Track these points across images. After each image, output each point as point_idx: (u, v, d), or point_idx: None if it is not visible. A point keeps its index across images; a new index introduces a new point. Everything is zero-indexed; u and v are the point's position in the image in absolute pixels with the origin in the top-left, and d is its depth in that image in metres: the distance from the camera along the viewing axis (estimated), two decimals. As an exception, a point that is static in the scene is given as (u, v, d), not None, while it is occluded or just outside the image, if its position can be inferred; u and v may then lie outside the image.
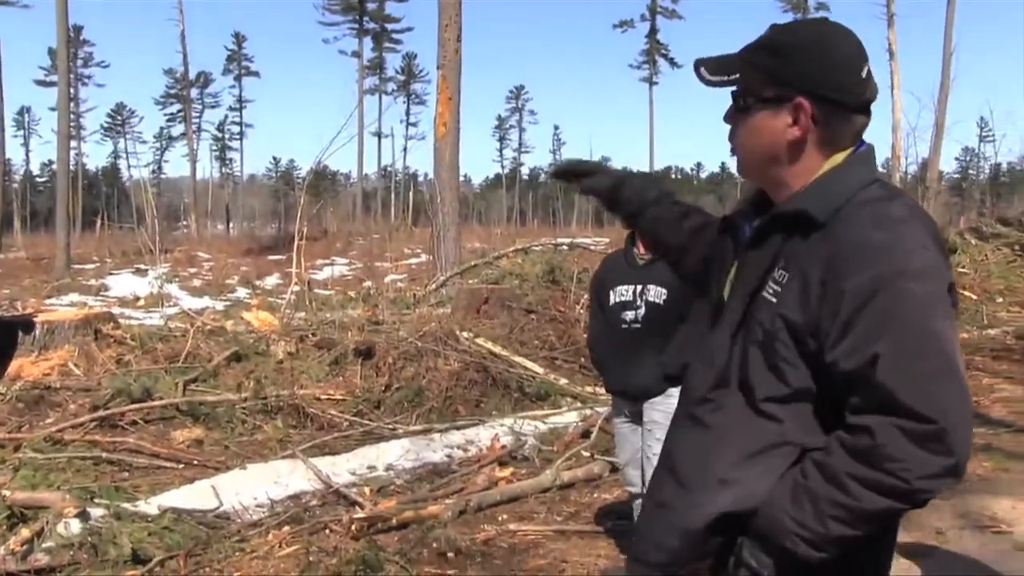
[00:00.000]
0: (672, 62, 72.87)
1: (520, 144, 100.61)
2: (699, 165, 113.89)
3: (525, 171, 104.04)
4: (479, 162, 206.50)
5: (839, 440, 1.69)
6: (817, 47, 1.80)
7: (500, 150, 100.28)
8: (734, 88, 1.88)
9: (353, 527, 5.40)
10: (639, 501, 4.77)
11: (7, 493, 5.45)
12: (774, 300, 1.76)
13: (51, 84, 68.23)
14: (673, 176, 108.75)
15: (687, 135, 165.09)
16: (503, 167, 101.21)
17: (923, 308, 1.65)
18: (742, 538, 1.81)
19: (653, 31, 72.35)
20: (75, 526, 5.05)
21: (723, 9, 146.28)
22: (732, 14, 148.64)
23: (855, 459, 1.65)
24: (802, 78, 1.78)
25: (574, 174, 2.41)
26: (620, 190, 2.36)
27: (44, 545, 4.87)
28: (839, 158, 1.82)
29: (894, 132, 37.18)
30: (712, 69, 1.87)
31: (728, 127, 1.94)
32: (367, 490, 6.18)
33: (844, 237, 1.70)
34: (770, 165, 1.86)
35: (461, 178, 16.82)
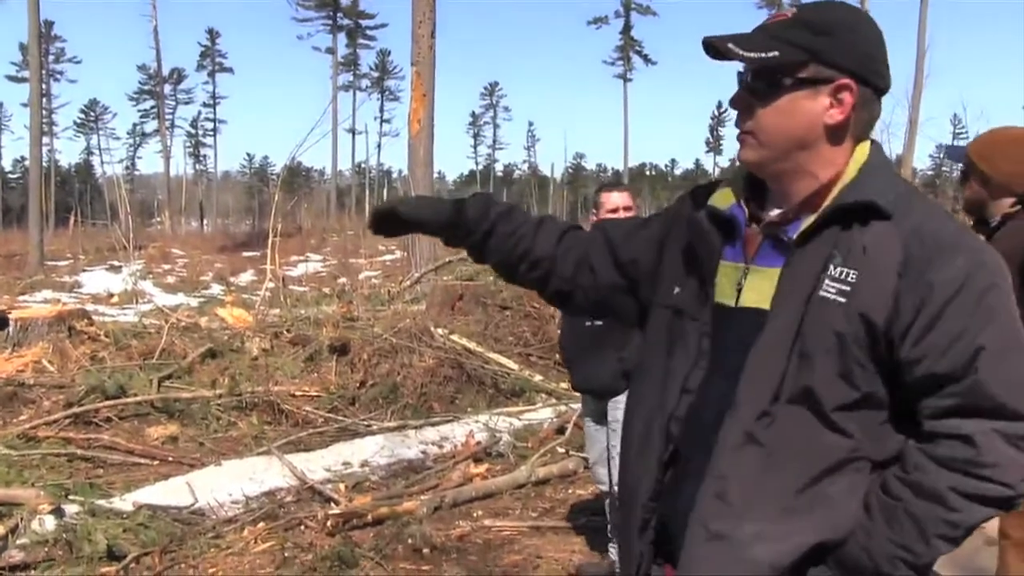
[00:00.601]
0: (646, 59, 73.15)
1: (494, 141, 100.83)
2: (673, 162, 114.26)
3: (499, 168, 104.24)
4: (453, 159, 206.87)
5: (925, 453, 1.60)
6: (860, 27, 1.70)
7: (474, 147, 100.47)
8: (755, 68, 1.72)
9: (328, 523, 5.43)
10: (609, 500, 4.84)
11: (-19, 490, 5.45)
12: (843, 300, 1.60)
13: (23, 80, 67.68)
14: (647, 173, 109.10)
15: (661, 132, 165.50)
16: (477, 164, 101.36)
17: (1010, 300, 1.61)
18: (815, 569, 1.68)
19: (627, 27, 72.54)
20: (50, 523, 5.06)
21: (697, 7, 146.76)
22: (705, 11, 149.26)
23: (953, 471, 1.57)
24: (849, 58, 1.66)
25: (394, 214, 2.11)
26: (461, 213, 2.10)
27: (18, 542, 4.88)
28: (866, 147, 1.73)
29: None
30: (743, 44, 1.69)
31: (736, 112, 1.78)
32: (342, 486, 6.21)
33: (918, 228, 1.60)
34: (796, 152, 1.71)
35: (435, 175, 16.84)
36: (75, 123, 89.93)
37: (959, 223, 1.67)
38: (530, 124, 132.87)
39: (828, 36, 1.66)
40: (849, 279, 1.60)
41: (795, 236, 1.69)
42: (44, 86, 49.33)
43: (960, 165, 3.54)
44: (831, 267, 1.62)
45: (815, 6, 1.73)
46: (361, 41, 76.80)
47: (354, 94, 78.69)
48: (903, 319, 1.57)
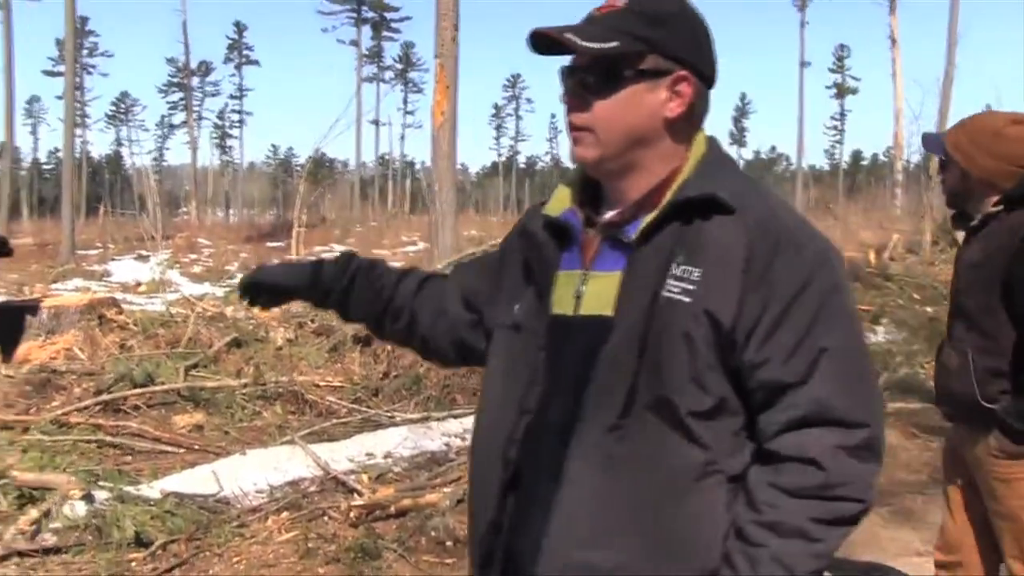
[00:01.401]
0: (673, 52, 72.60)
1: (517, 133, 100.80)
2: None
3: (522, 159, 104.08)
4: (476, 150, 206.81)
5: (775, 486, 1.49)
6: (692, 18, 1.64)
7: (497, 138, 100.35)
8: (587, 62, 1.62)
9: (351, 514, 5.49)
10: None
11: (16, 474, 5.58)
12: (688, 299, 1.50)
13: (58, 74, 68.15)
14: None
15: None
16: (500, 155, 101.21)
17: (852, 299, 1.58)
18: None
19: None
20: (80, 508, 5.17)
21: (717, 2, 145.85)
22: (730, 3, 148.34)
23: (808, 499, 1.48)
24: (686, 49, 1.61)
25: (256, 284, 2.08)
26: (318, 275, 2.04)
27: (51, 526, 5.00)
28: (702, 141, 1.67)
29: (896, 120, 37.18)
30: (582, 35, 1.59)
31: (566, 107, 1.67)
32: (365, 477, 6.26)
33: (762, 223, 1.52)
34: (634, 147, 1.62)
35: (458, 166, 16.90)
36: (106, 115, 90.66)
37: (802, 217, 1.62)
38: (552, 116, 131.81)
39: (664, 27, 1.60)
40: (693, 277, 1.52)
41: (634, 236, 1.59)
42: (78, 80, 49.79)
43: (938, 157, 3.26)
44: (674, 265, 1.53)
45: None
46: (385, 34, 76.94)
47: (378, 86, 78.92)
48: (748, 318, 1.50)
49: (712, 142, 1.68)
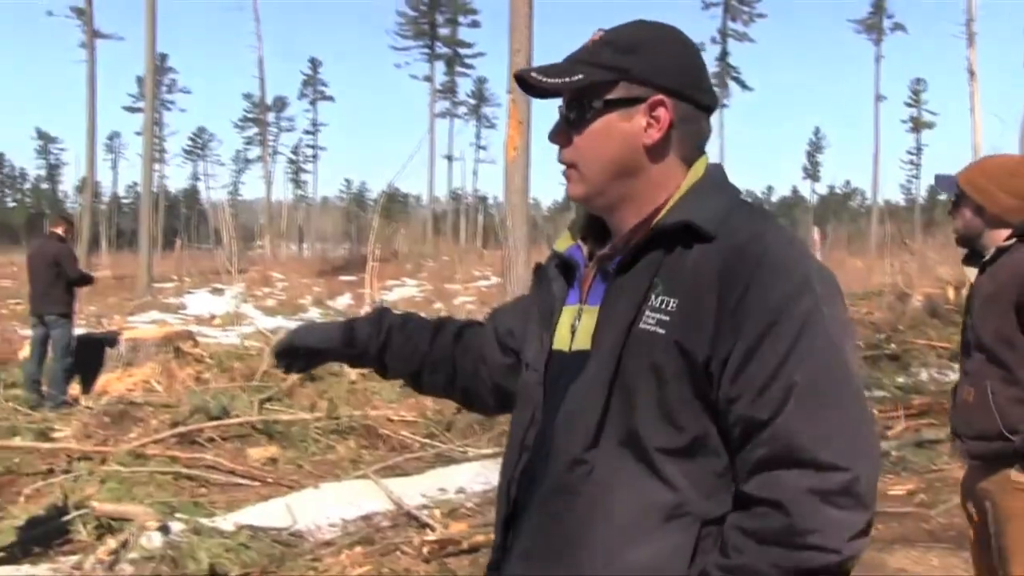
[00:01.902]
0: (743, 85, 72.32)
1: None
2: (770, 188, 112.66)
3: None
4: (548, 185, 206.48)
5: (742, 529, 1.39)
6: (670, 42, 1.59)
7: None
8: (568, 98, 1.61)
9: (424, 550, 5.45)
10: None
11: (95, 504, 5.66)
12: (662, 331, 1.44)
13: (138, 110, 70.29)
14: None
15: (758, 159, 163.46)
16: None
17: (836, 331, 1.42)
18: None
19: (724, 54, 71.86)
20: (157, 539, 5.21)
21: (795, 33, 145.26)
22: (804, 38, 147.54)
23: (772, 545, 1.36)
24: (660, 73, 1.55)
25: (292, 347, 2.00)
26: (352, 332, 1.97)
27: (129, 556, 5.03)
28: (700, 167, 1.59)
29: (975, 155, 36.39)
30: (548, 72, 1.58)
31: (557, 147, 1.66)
32: (438, 512, 6.24)
33: (740, 250, 1.44)
34: (620, 179, 1.58)
35: (531, 201, 16.91)
36: (183, 150, 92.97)
37: (791, 239, 1.49)
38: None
39: (634, 54, 1.55)
40: (669, 308, 1.45)
41: (613, 267, 1.56)
42: (156, 115, 51.16)
43: (949, 195, 3.35)
44: (652, 296, 1.47)
45: (621, 27, 1.63)
46: (459, 69, 77.73)
47: (451, 121, 79.70)
48: (722, 351, 1.40)
49: (713, 168, 1.62)
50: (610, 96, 1.55)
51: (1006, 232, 3.12)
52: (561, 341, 1.63)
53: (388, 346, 1.98)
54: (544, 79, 1.56)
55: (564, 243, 1.71)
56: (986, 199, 3.15)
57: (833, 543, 1.34)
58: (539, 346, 1.69)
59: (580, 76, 1.55)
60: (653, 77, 1.54)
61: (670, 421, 1.43)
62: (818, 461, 1.35)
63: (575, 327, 1.60)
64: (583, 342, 1.57)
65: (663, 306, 1.45)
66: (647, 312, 1.46)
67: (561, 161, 1.64)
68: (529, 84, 1.60)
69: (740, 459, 1.42)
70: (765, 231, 1.47)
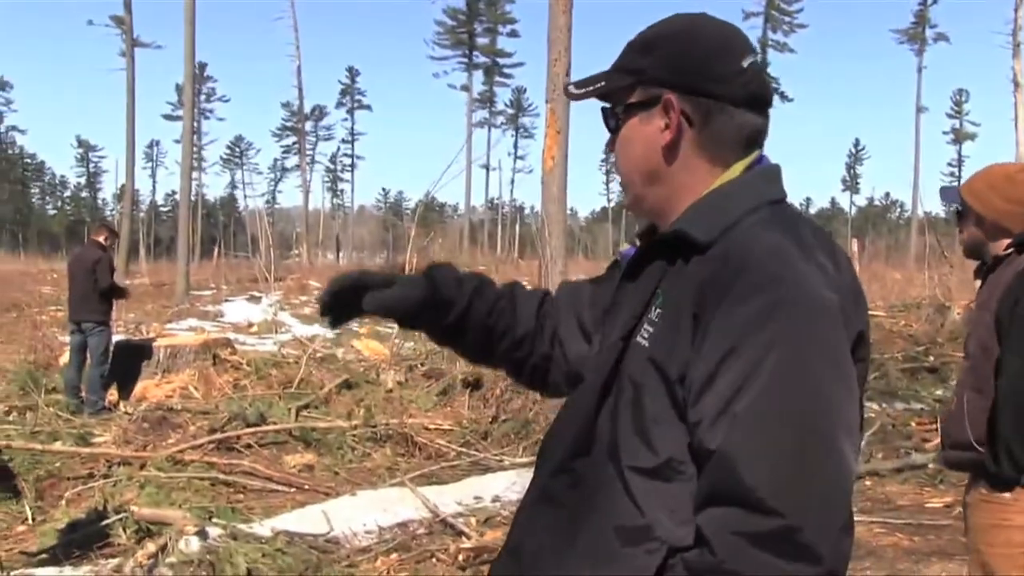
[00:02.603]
0: (783, 96, 71.94)
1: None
2: (808, 200, 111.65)
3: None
4: (586, 195, 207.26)
5: (684, 562, 1.28)
6: (683, 35, 1.49)
7: (607, 183, 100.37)
8: (603, 107, 1.57)
9: (460, 557, 5.46)
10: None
11: (135, 509, 5.71)
12: (646, 344, 1.38)
13: (177, 118, 71.15)
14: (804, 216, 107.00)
15: (797, 169, 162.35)
16: (609, 200, 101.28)
17: (809, 360, 1.26)
18: None
19: (764, 65, 71.46)
20: (195, 544, 5.24)
21: (836, 43, 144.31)
22: (845, 49, 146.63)
23: None
24: (666, 69, 1.46)
25: (359, 287, 1.76)
26: (436, 291, 1.77)
27: (167, 560, 5.07)
28: (737, 169, 1.46)
29: (1018, 168, 35.92)
30: (578, 83, 1.56)
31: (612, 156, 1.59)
32: (474, 521, 6.24)
33: (723, 264, 1.33)
34: (651, 185, 1.50)
35: (568, 211, 16.93)
36: (222, 158, 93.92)
37: (788, 260, 1.32)
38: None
39: (651, 53, 1.48)
40: (657, 321, 1.38)
41: (622, 273, 1.53)
42: (195, 124, 51.75)
43: (954, 207, 3.33)
44: (652, 308, 1.41)
45: (651, 25, 1.55)
46: (497, 79, 78.09)
47: (489, 130, 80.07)
48: (692, 373, 1.30)
49: (752, 170, 1.48)
50: (630, 100, 1.50)
51: (1007, 241, 3.08)
52: None
53: (470, 311, 1.80)
54: (574, 90, 1.55)
55: (629, 243, 1.65)
56: (984, 207, 3.12)
57: None
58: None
59: (602, 83, 1.53)
60: (664, 75, 1.46)
61: (644, 440, 1.34)
62: (751, 501, 1.21)
63: None
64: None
65: (656, 319, 1.39)
66: (645, 324, 1.41)
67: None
68: (567, 92, 1.60)
69: (696, 488, 1.31)
70: (761, 245, 1.34)
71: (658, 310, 1.39)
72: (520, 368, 1.88)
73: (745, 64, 1.46)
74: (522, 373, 1.90)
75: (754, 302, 1.26)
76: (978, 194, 3.15)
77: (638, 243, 1.59)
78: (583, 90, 1.54)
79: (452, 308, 1.78)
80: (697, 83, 1.44)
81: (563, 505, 1.43)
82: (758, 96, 1.48)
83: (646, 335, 1.39)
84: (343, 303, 1.77)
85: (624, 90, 1.51)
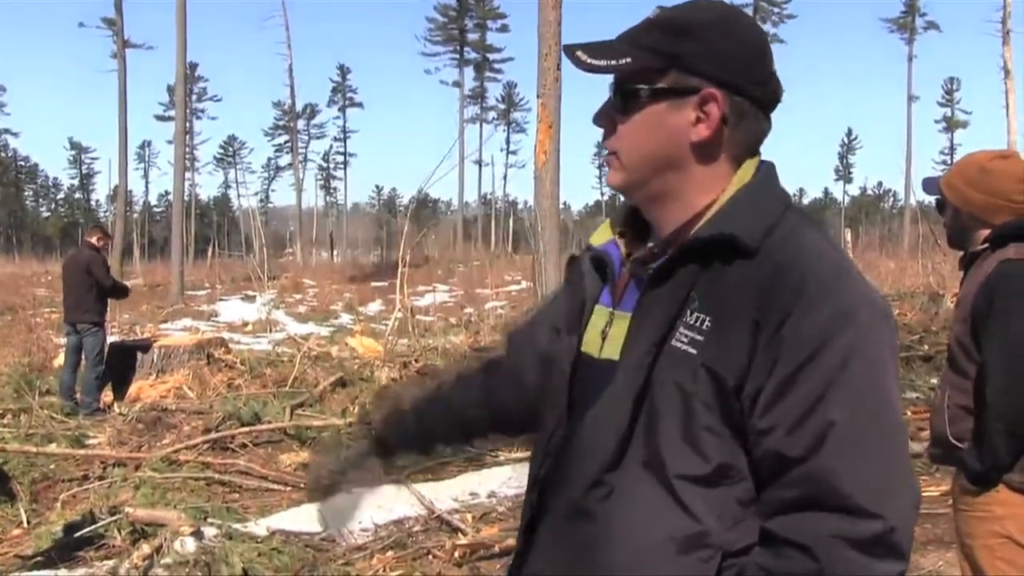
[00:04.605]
0: (775, 87, 71.92)
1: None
2: (801, 191, 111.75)
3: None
4: (579, 189, 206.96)
5: (764, 569, 1.29)
6: (730, 27, 1.43)
7: (599, 177, 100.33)
8: (615, 81, 1.47)
9: (456, 554, 5.45)
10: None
11: (129, 510, 5.71)
12: (694, 351, 1.33)
13: (169, 119, 71.01)
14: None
15: (789, 160, 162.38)
16: (602, 194, 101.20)
17: (881, 365, 1.30)
18: None
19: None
20: (190, 544, 5.24)
21: (826, 33, 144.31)
22: (835, 38, 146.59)
23: None
24: (714, 63, 1.39)
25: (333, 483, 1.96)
26: (381, 442, 1.96)
27: (163, 561, 5.06)
28: (750, 169, 1.45)
29: (1008, 155, 35.94)
30: (594, 52, 1.45)
31: (602, 129, 1.52)
32: (470, 517, 6.24)
33: (783, 271, 1.31)
34: (662, 174, 1.45)
35: (561, 205, 16.89)
36: (215, 158, 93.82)
37: (839, 262, 1.35)
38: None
39: (690, 38, 1.40)
40: (704, 327, 1.34)
41: (650, 275, 1.44)
42: (188, 124, 51.67)
43: (934, 198, 3.29)
44: (688, 312, 1.36)
45: (679, 6, 1.46)
46: (488, 74, 77.97)
47: (480, 126, 79.93)
48: (756, 380, 1.29)
49: (765, 169, 1.47)
50: (660, 84, 1.42)
51: (986, 232, 3.03)
52: (590, 344, 1.53)
53: (429, 434, 1.93)
54: (590, 59, 1.44)
55: (601, 237, 1.60)
56: (960, 199, 3.08)
57: None
58: (566, 342, 1.57)
59: (628, 60, 1.42)
60: (707, 67, 1.39)
61: (695, 448, 1.33)
62: (851, 507, 1.25)
63: (606, 332, 1.50)
64: (612, 351, 1.47)
65: (698, 324, 1.34)
66: (681, 329, 1.36)
67: (604, 147, 1.51)
68: (578, 61, 1.46)
69: (768, 495, 1.32)
70: (811, 250, 1.35)
71: (698, 315, 1.35)
72: (507, 431, 1.99)
73: (774, 68, 1.46)
74: (509, 432, 2.00)
75: (825, 310, 1.27)
76: (954, 187, 3.12)
77: (618, 240, 1.57)
78: (602, 62, 1.43)
79: (408, 440, 1.94)
80: (742, 83, 1.41)
81: (601, 521, 1.39)
82: (777, 102, 1.47)
83: (687, 340, 1.34)
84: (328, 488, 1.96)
85: (654, 72, 1.42)
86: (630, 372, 1.39)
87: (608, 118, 1.49)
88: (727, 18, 1.44)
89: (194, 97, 77.91)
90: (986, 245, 2.99)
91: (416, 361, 10.29)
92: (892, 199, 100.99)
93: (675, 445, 1.33)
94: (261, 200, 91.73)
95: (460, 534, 5.84)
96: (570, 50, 1.47)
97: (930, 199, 3.46)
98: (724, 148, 1.43)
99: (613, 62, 1.42)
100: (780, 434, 1.28)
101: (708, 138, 1.41)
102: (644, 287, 1.44)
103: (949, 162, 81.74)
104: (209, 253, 43.40)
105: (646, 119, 1.43)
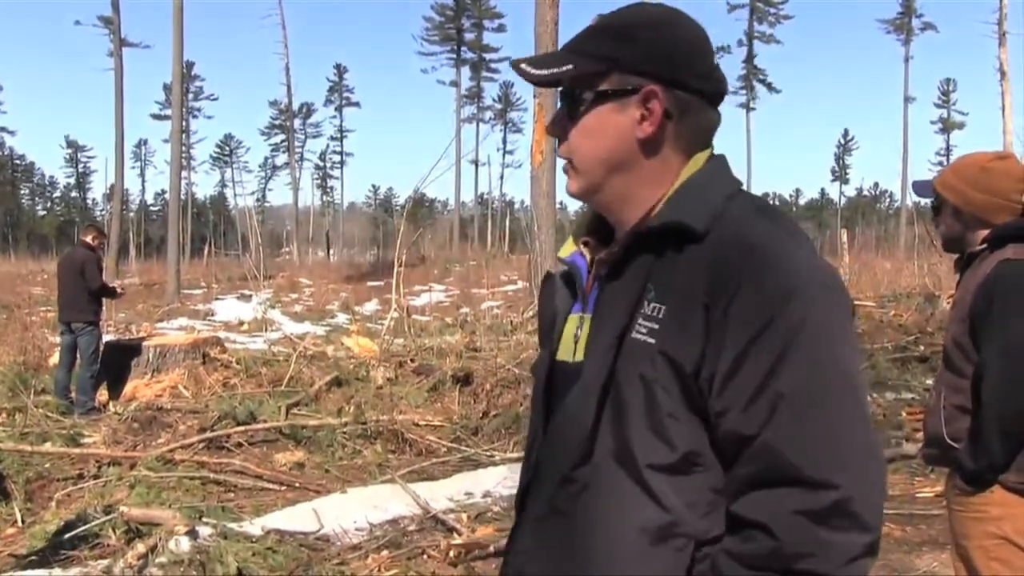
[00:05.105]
0: (770, 87, 71.98)
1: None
2: (797, 191, 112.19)
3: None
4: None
5: (729, 554, 1.29)
6: (666, 26, 1.46)
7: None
8: (561, 89, 1.51)
9: (451, 553, 5.45)
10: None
11: (124, 509, 5.69)
12: (652, 340, 1.35)
13: (165, 118, 71.09)
14: (771, 203, 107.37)
15: (785, 161, 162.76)
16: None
17: (832, 337, 1.30)
18: None
19: (750, 56, 71.55)
20: (185, 543, 5.23)
21: (823, 34, 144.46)
22: (831, 39, 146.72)
23: (760, 570, 1.26)
24: (652, 61, 1.43)
25: None
26: None
27: (157, 560, 5.06)
28: (700, 160, 1.48)
29: (1004, 157, 36.00)
30: (537, 63, 1.50)
31: (556, 140, 1.56)
32: (464, 516, 6.24)
33: (729, 251, 1.33)
34: (615, 175, 1.48)
35: (557, 205, 16.92)
36: (211, 157, 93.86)
37: (782, 239, 1.36)
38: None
39: (629, 40, 1.44)
40: (660, 316, 1.35)
41: (606, 270, 1.47)
42: (184, 123, 51.60)
43: (929, 201, 3.28)
44: (645, 303, 1.37)
45: (619, 11, 1.51)
46: (484, 74, 77.95)
47: (477, 126, 79.93)
48: (710, 362, 1.30)
49: (715, 161, 1.50)
50: (601, 87, 1.46)
51: (985, 232, 3.03)
52: (565, 351, 1.55)
53: None
54: (533, 70, 1.49)
55: (567, 249, 1.62)
56: (960, 199, 3.08)
57: (827, 567, 1.24)
58: (543, 355, 1.62)
59: (569, 67, 1.46)
60: (646, 66, 1.43)
61: (661, 436, 1.34)
62: (805, 478, 1.25)
63: (578, 336, 1.52)
64: (583, 352, 1.48)
65: (654, 313, 1.36)
66: (640, 320, 1.37)
67: (559, 155, 1.55)
68: (522, 73, 1.51)
69: (729, 477, 1.33)
70: (756, 228, 1.36)
71: (654, 304, 1.37)
72: None
73: (716, 61, 1.50)
74: None
75: (771, 287, 1.29)
76: (953, 188, 3.11)
77: (583, 248, 1.58)
78: (546, 72, 1.48)
79: None
80: (684, 78, 1.44)
81: (576, 517, 1.41)
82: (722, 94, 1.51)
83: (645, 330, 1.36)
84: None
85: (595, 76, 1.46)
86: (594, 368, 1.41)
87: (560, 127, 1.52)
88: (665, 18, 1.48)
89: (191, 96, 77.80)
90: (984, 246, 3.00)
91: (412, 361, 10.29)
92: (888, 200, 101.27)
93: (642, 435, 1.34)
94: (257, 199, 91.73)
95: (455, 534, 5.84)
96: (516, 64, 1.50)
97: (926, 200, 3.46)
98: (671, 142, 1.46)
99: (556, 70, 1.47)
100: (736, 413, 1.29)
101: (653, 134, 1.44)
102: (601, 283, 1.48)
103: (945, 163, 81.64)
104: (205, 252, 43.32)
105: (593, 122, 1.47)
